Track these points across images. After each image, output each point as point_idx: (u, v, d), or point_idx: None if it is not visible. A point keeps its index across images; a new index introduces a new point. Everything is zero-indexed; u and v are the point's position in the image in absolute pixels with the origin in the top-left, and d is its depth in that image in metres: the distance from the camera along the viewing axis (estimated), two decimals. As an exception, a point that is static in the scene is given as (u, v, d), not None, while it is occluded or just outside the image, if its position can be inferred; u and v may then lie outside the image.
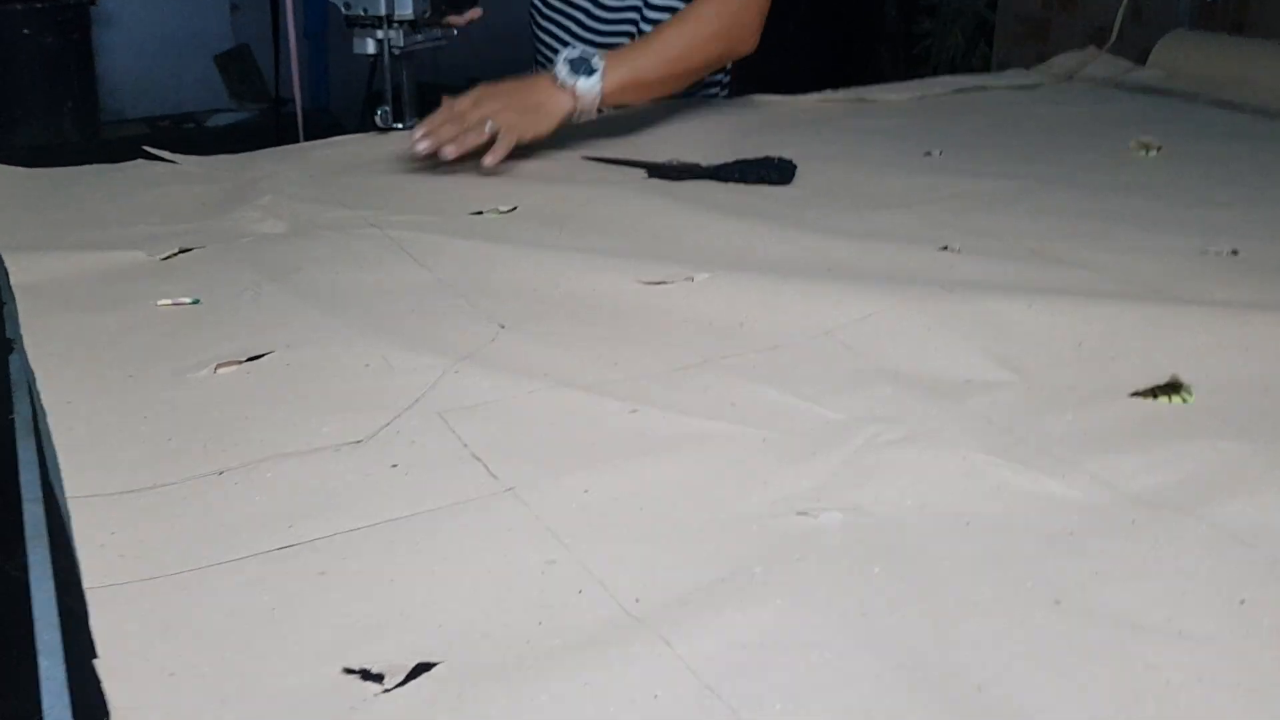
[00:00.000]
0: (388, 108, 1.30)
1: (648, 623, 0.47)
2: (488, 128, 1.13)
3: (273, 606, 0.48)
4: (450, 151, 1.12)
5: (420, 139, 1.14)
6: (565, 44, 1.48)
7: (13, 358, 0.94)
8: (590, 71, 1.18)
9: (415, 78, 1.34)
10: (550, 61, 1.51)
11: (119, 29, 3.46)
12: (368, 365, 0.72)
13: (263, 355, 0.73)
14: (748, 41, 1.32)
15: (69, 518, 0.54)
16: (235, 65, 3.59)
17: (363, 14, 1.27)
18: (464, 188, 1.12)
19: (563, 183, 1.15)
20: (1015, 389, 0.69)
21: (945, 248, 0.94)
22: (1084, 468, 0.60)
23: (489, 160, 1.13)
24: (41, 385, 0.68)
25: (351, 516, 0.55)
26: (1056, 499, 0.57)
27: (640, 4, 1.42)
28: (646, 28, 1.42)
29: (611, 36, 1.45)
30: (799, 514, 0.56)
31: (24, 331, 0.76)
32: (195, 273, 0.88)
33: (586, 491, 0.58)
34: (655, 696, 0.42)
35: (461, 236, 0.97)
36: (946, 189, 1.12)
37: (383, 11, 1.25)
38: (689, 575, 0.50)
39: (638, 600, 0.49)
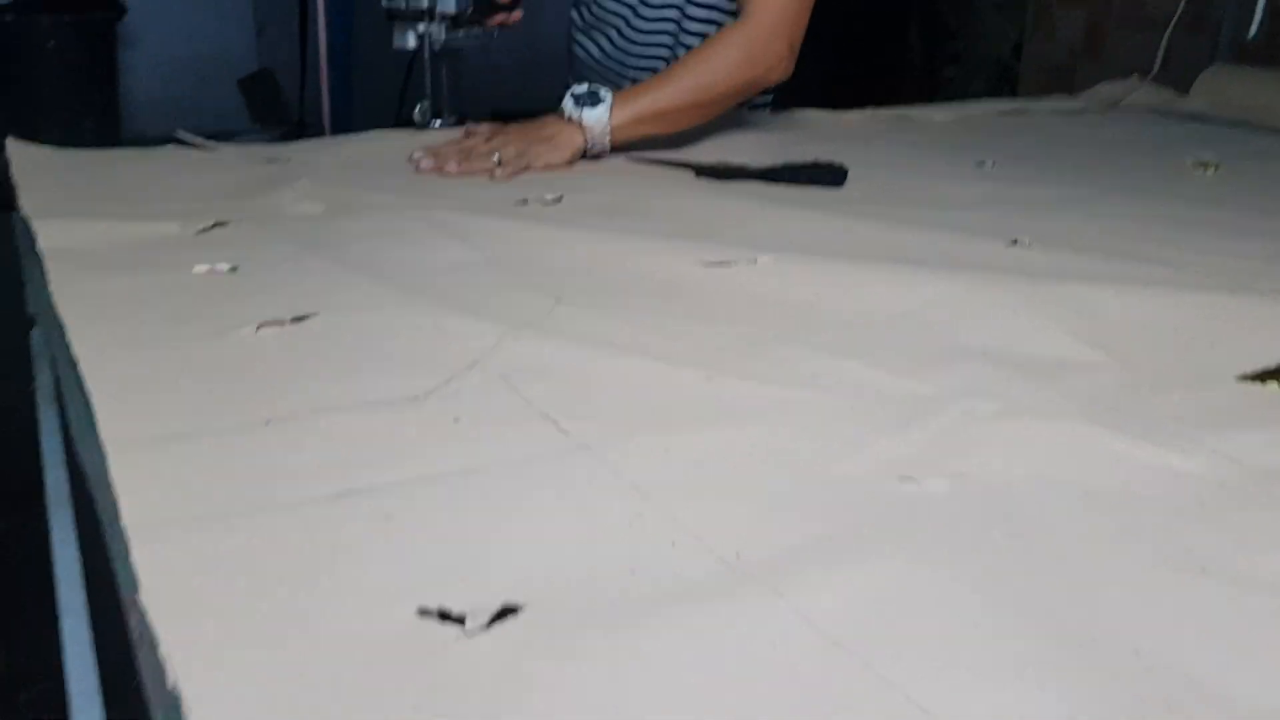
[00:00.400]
0: (427, 103, 1.27)
1: (754, 576, 0.42)
2: (495, 157, 1.11)
3: (335, 549, 0.43)
4: (453, 167, 1.10)
5: (423, 157, 1.12)
6: (598, 60, 1.46)
7: (34, 332, 0.90)
8: (596, 103, 1.15)
9: (454, 77, 1.31)
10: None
11: (144, 47, 3.45)
12: (419, 328, 0.68)
13: (307, 317, 0.69)
14: (777, 69, 1.26)
15: (105, 459, 0.49)
16: (258, 88, 3.58)
17: (404, 7, 1.23)
18: (507, 183, 1.08)
19: (609, 177, 1.11)
20: (1113, 370, 0.65)
21: (1015, 242, 0.90)
22: (1203, 443, 0.55)
23: (499, 174, 1.09)
24: (73, 336, 0.63)
25: (415, 466, 0.50)
26: (1179, 472, 0.53)
27: (678, 17, 1.39)
28: (687, 39, 1.39)
29: (648, 48, 1.42)
30: (902, 479, 0.51)
31: (53, 290, 0.71)
32: (231, 244, 0.84)
33: (667, 451, 0.53)
34: (773, 646, 0.37)
35: (509, 219, 0.93)
36: (1006, 195, 1.08)
37: (425, 5, 1.22)
38: (791, 533, 0.46)
39: (738, 555, 0.44)
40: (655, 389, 0.60)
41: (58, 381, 0.75)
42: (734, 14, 1.34)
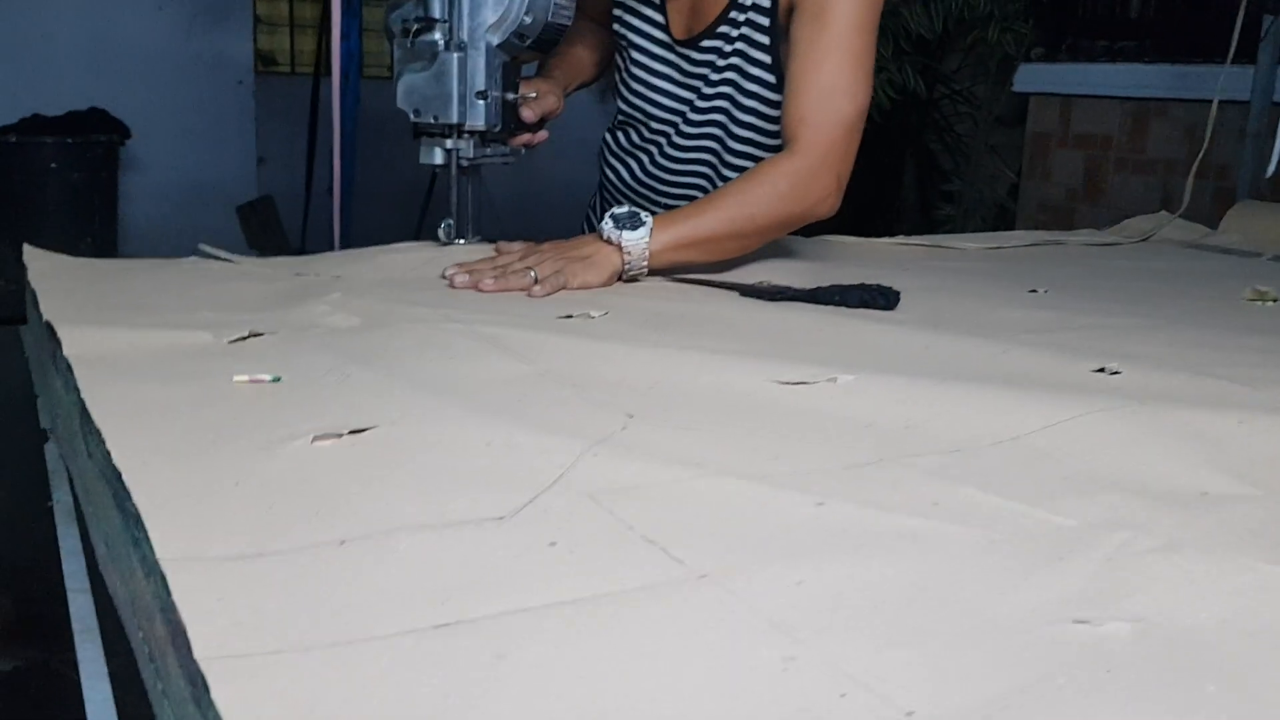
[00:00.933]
0: (451, 222, 1.22)
1: (954, 736, 0.35)
2: (531, 275, 1.05)
3: (446, 693, 0.35)
4: (489, 285, 1.04)
5: (457, 273, 1.07)
6: (631, 185, 1.43)
7: (48, 446, 0.83)
8: (638, 225, 1.10)
9: (479, 195, 1.26)
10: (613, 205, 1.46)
11: (145, 171, 3.45)
12: (489, 444, 0.61)
13: (365, 430, 0.62)
14: (824, 204, 1.21)
15: (167, 581, 0.42)
16: (257, 216, 3.57)
17: (433, 121, 1.18)
18: (547, 299, 1.03)
19: (651, 296, 1.06)
20: (1266, 503, 0.59)
21: (1103, 369, 0.84)
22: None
23: (536, 291, 1.03)
24: (111, 445, 0.56)
25: (518, 596, 0.43)
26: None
27: (719, 144, 1.36)
28: (727, 173, 1.36)
29: (685, 176, 1.38)
30: (1077, 622, 0.44)
31: (86, 398, 0.65)
32: (269, 355, 0.78)
33: (799, 584, 0.46)
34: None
35: (557, 334, 0.87)
36: (1071, 322, 1.04)
37: (455, 120, 1.17)
38: (977, 685, 0.39)
39: (910, 715, 0.37)
40: (762, 515, 0.54)
41: (76, 501, 0.68)
42: (774, 137, 1.32)
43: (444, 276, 1.09)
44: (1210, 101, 3.35)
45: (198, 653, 0.36)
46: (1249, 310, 1.17)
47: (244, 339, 0.82)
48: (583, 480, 0.56)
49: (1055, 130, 3.66)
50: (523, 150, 1.28)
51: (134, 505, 0.51)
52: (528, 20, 1.16)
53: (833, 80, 1.22)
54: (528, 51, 1.22)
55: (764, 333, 0.91)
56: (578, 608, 0.42)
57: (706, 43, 1.31)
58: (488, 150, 1.22)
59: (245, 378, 0.71)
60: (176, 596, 0.40)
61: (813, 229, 1.51)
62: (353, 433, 0.62)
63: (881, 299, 1.08)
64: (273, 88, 3.83)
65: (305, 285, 1.03)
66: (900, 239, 1.51)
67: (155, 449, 0.57)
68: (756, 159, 1.33)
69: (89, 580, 0.59)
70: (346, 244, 3.61)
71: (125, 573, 0.52)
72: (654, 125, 1.38)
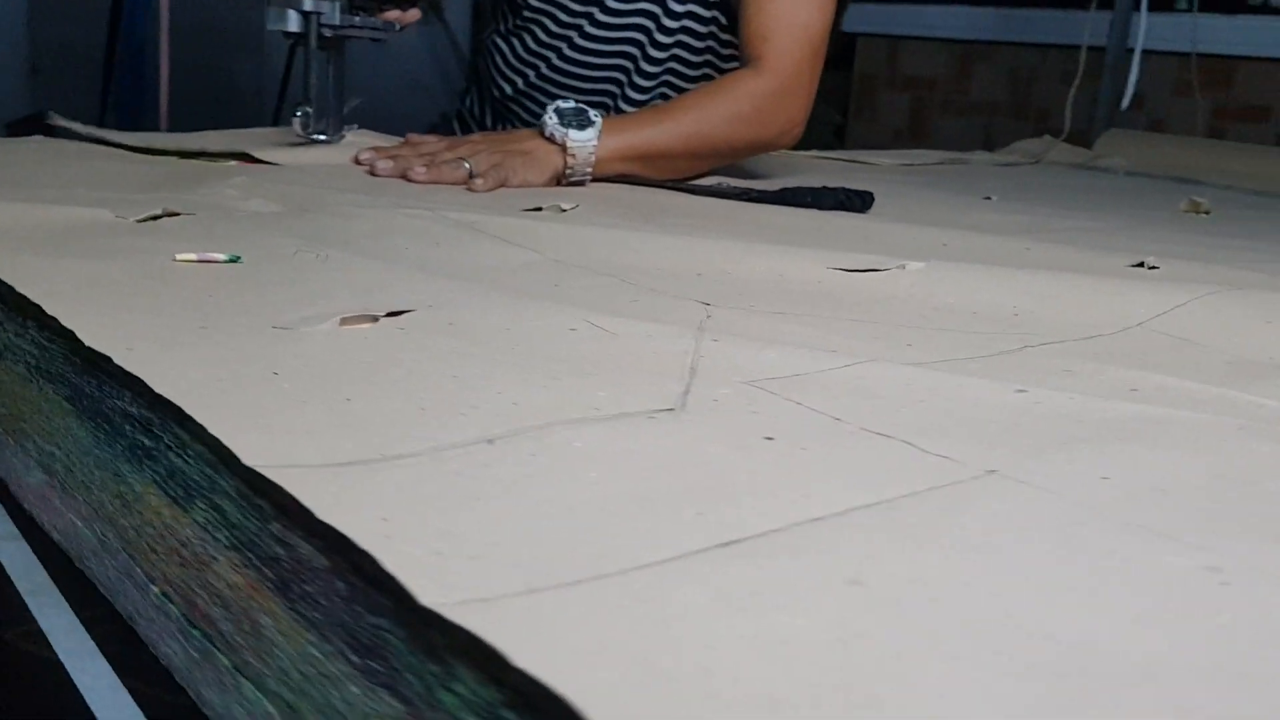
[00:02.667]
0: (309, 109, 0.94)
1: None
2: (465, 166, 0.89)
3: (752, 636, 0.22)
4: (421, 174, 0.87)
5: (375, 159, 0.89)
6: (528, 93, 1.26)
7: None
8: (585, 124, 0.94)
9: (343, 80, 0.96)
10: (503, 118, 1.30)
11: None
12: (573, 329, 0.47)
13: (403, 312, 0.47)
14: (791, 134, 1.09)
15: (258, 499, 0.27)
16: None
17: None
18: (494, 193, 0.88)
19: (614, 193, 0.93)
20: None
21: (1142, 264, 0.77)
22: None
23: (478, 185, 0.87)
24: (73, 324, 0.39)
25: (803, 503, 0.30)
26: None
27: (637, 54, 1.21)
28: (635, 92, 1.20)
29: (593, 82, 1.23)
30: None
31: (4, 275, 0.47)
32: (197, 236, 0.61)
33: (1106, 479, 0.35)
34: None
35: (541, 222, 0.73)
36: (1051, 224, 0.97)
37: None
38: None
39: None
40: (968, 402, 0.42)
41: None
42: (717, 38, 1.19)
43: (359, 162, 0.91)
44: (1034, 44, 3.42)
45: (427, 599, 0.22)
46: (1190, 219, 1.14)
47: (156, 218, 0.64)
48: (725, 367, 0.43)
49: (882, 72, 3.68)
50: (396, 26, 1.01)
51: (134, 404, 0.35)
52: None
53: None
54: None
55: (767, 226, 0.79)
56: (872, 513, 0.30)
57: None
58: (356, 19, 0.94)
59: (192, 256, 0.54)
60: (323, 512, 0.25)
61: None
62: (390, 315, 0.46)
63: (858, 200, 0.98)
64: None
65: (194, 167, 0.84)
66: (815, 153, 1.42)
67: (133, 335, 0.40)
68: (684, 72, 1.20)
69: (13, 522, 0.42)
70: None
71: (116, 502, 0.36)
72: (559, 25, 1.22)
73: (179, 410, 0.33)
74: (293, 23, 0.89)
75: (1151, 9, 2.29)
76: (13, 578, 0.40)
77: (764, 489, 0.31)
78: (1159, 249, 0.87)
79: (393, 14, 0.99)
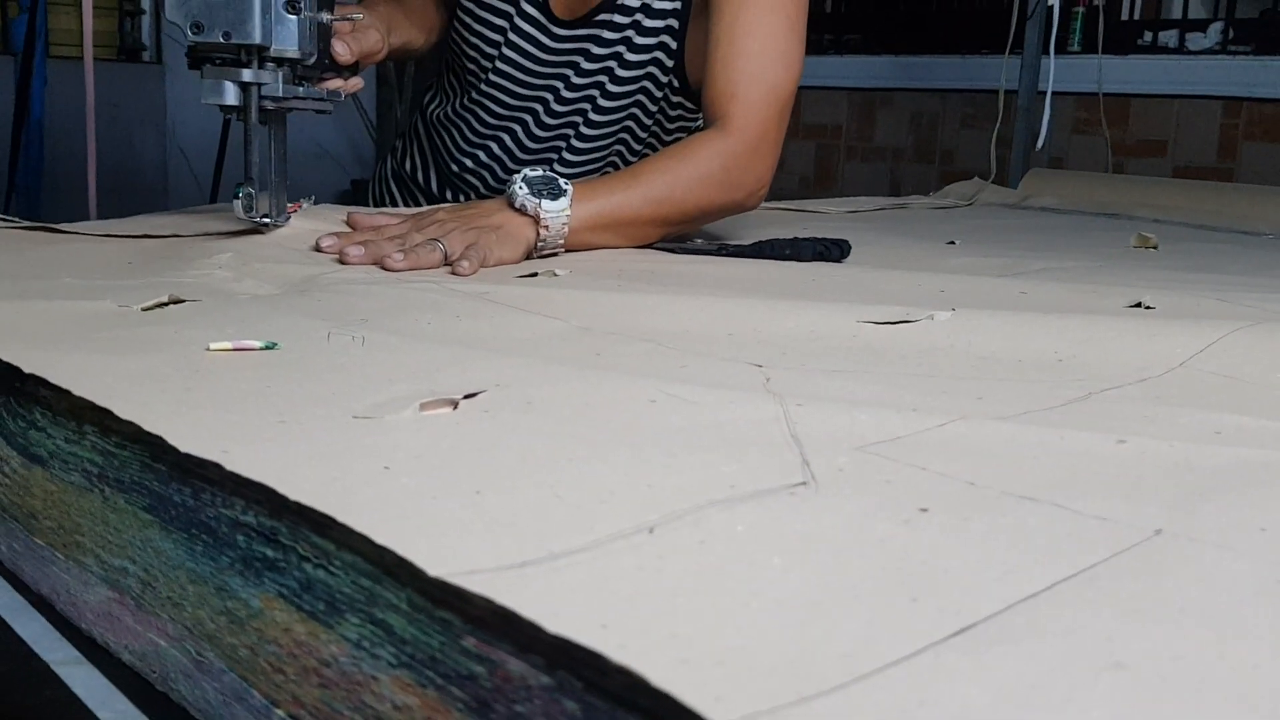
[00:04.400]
0: (251, 190, 0.83)
1: None
2: (440, 247, 0.82)
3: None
4: (400, 261, 0.79)
5: (346, 246, 0.81)
6: (480, 174, 1.23)
7: None
8: (557, 194, 0.89)
9: (287, 154, 0.87)
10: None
11: None
12: (653, 401, 0.45)
13: (477, 394, 0.45)
14: (757, 196, 1.05)
15: (451, 622, 0.25)
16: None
17: (223, 41, 0.78)
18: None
19: (592, 258, 0.91)
20: None
21: (1139, 304, 0.78)
22: None
23: (464, 269, 0.79)
24: (158, 429, 0.36)
25: (984, 579, 0.29)
26: None
27: (572, 135, 1.19)
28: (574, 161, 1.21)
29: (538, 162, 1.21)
30: None
31: (45, 373, 0.43)
32: (217, 321, 0.58)
33: (1264, 530, 0.34)
34: None
35: (550, 287, 0.71)
36: (1026, 266, 0.98)
37: (257, 39, 0.78)
38: None
39: None
40: (1081, 457, 0.42)
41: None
42: (656, 130, 1.18)
43: (320, 249, 0.83)
44: (933, 90, 3.51)
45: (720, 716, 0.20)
46: (1144, 254, 1.17)
47: (163, 305, 0.61)
48: (825, 434, 0.42)
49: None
50: (341, 96, 0.92)
51: (250, 513, 0.32)
52: None
53: (765, 47, 1.06)
54: None
55: (761, 281, 0.79)
56: (1092, 585, 0.29)
57: (601, 16, 1.14)
58: (299, 90, 0.85)
59: (227, 345, 0.51)
60: (553, 625, 0.23)
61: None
62: (468, 397, 0.44)
63: (836, 250, 0.98)
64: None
65: (173, 247, 0.80)
66: (763, 204, 1.43)
67: (218, 434, 0.37)
68: (636, 133, 1.19)
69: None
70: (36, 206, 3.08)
71: (221, 619, 0.33)
72: (508, 110, 1.19)
73: (318, 517, 0.30)
74: (230, 95, 0.80)
75: (1044, 52, 2.36)
76: (92, 708, 0.36)
77: (959, 568, 0.30)
78: (1142, 286, 0.89)
79: (335, 83, 0.92)
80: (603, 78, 1.15)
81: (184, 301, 0.62)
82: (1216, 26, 2.92)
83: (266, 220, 0.84)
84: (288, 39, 0.79)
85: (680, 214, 1.00)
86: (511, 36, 1.16)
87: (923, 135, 3.46)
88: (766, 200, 1.44)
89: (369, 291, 0.68)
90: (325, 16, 0.86)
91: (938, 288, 0.80)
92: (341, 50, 0.89)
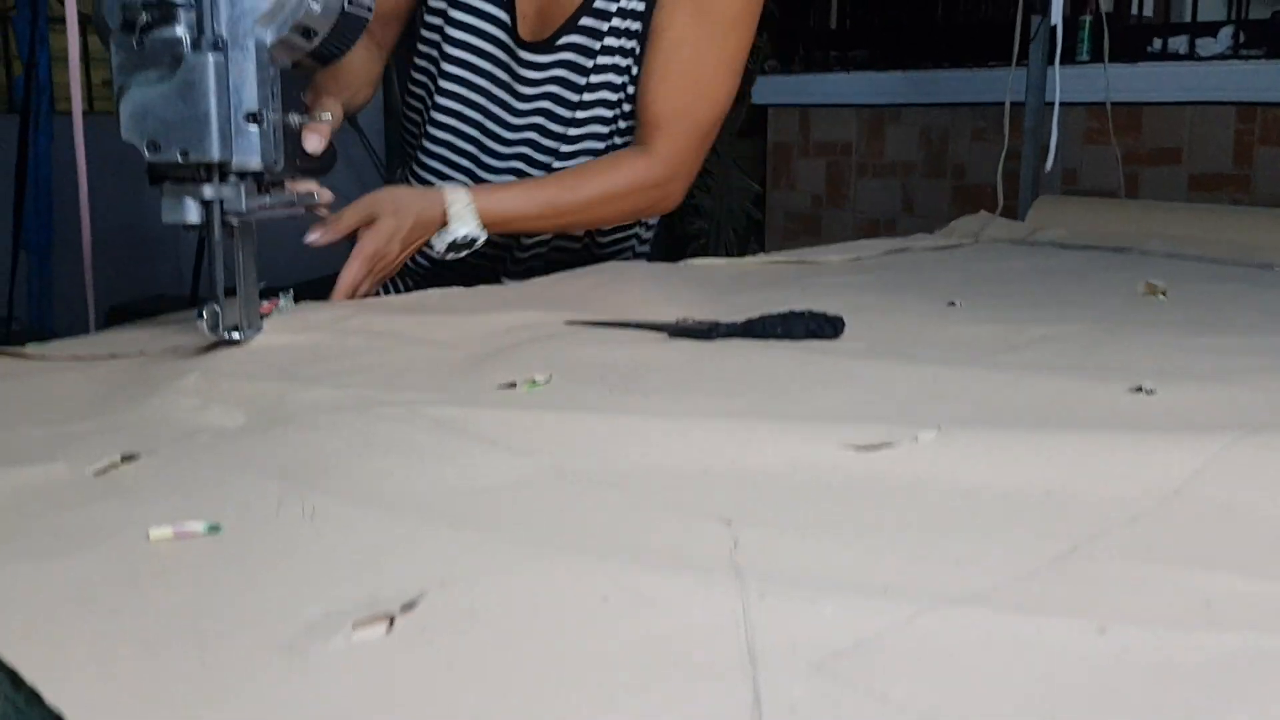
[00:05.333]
0: (216, 307, 0.81)
1: None
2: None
3: None
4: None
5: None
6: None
7: None
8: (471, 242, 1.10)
9: (257, 262, 0.84)
10: None
11: None
12: (605, 600, 0.43)
13: (414, 602, 0.42)
14: (668, 208, 1.23)
15: None
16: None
17: (180, 160, 0.76)
18: (454, 360, 0.84)
19: (581, 341, 0.89)
20: None
21: (1139, 389, 0.75)
22: None
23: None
24: (44, 682, 0.34)
25: None
26: None
27: (532, 153, 1.25)
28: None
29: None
30: None
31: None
32: (166, 490, 0.56)
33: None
34: None
35: (527, 409, 0.69)
36: (1025, 335, 0.95)
37: (215, 156, 0.76)
38: None
39: None
40: (1058, 659, 0.39)
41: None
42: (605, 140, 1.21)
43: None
44: (942, 104, 3.48)
45: None
46: (1151, 304, 1.14)
47: (116, 465, 0.59)
48: (784, 644, 0.39)
49: (795, 140, 3.71)
50: (315, 197, 0.92)
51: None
52: (315, 8, 0.78)
53: (699, 76, 1.14)
54: (311, 58, 0.84)
55: (751, 376, 0.76)
56: None
57: (565, 39, 1.16)
58: (266, 199, 0.83)
59: (168, 531, 0.49)
60: None
61: (675, 255, 1.39)
62: (405, 608, 0.42)
63: (829, 327, 0.96)
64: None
65: (139, 369, 0.79)
66: (764, 257, 1.40)
67: (118, 697, 0.35)
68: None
69: None
70: (50, 309, 3.13)
71: None
72: (463, 141, 1.23)
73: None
74: (192, 213, 0.78)
75: (1049, 63, 2.32)
76: None
77: None
78: (1144, 357, 0.86)
79: (308, 186, 0.91)
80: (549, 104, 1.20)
81: (137, 458, 0.60)
82: (1227, 31, 2.87)
83: (236, 335, 0.82)
84: (249, 151, 0.77)
85: (585, 223, 1.19)
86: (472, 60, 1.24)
87: (933, 150, 3.43)
88: (766, 254, 1.42)
89: (335, 423, 0.66)
90: (295, 118, 0.84)
91: (929, 378, 0.77)
92: (313, 144, 0.88)
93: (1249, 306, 1.13)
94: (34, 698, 0.35)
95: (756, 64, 3.68)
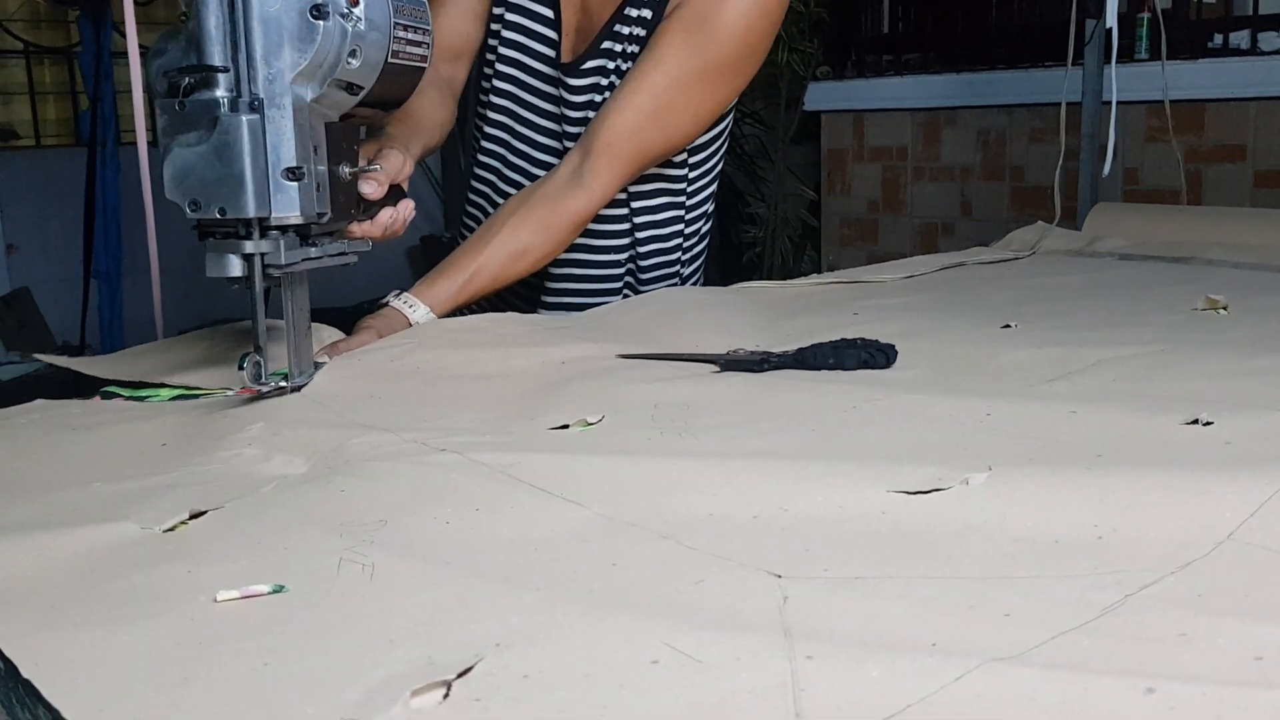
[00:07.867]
0: (260, 358, 0.81)
1: None
2: None
3: None
4: None
5: None
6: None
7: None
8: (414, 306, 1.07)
9: (308, 311, 0.87)
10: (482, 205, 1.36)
11: None
12: (655, 662, 0.44)
13: (470, 669, 0.44)
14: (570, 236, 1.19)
15: None
16: (12, 313, 3.14)
17: (219, 217, 0.77)
18: (507, 398, 0.86)
19: (630, 380, 0.90)
20: None
21: (1195, 421, 0.74)
22: None
23: None
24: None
25: None
26: None
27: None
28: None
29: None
30: None
31: (27, 671, 0.43)
32: (232, 549, 0.58)
33: None
34: None
35: (577, 454, 0.70)
36: (1082, 359, 0.94)
37: (251, 213, 0.77)
38: None
39: None
40: (1100, 721, 0.39)
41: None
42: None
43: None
44: (999, 106, 3.44)
45: None
46: (1211, 321, 1.12)
47: (184, 524, 0.61)
48: (829, 706, 0.40)
49: (850, 145, 3.70)
50: (368, 245, 0.93)
51: None
52: (353, 64, 0.79)
53: (669, 103, 1.13)
54: (367, 109, 0.87)
55: (808, 419, 0.77)
56: None
57: (590, 63, 1.18)
58: (313, 250, 0.84)
59: (235, 594, 0.51)
60: None
61: (729, 264, 1.40)
62: (461, 675, 0.43)
63: (881, 357, 0.96)
64: (16, 165, 3.39)
65: (204, 417, 0.81)
66: (815, 278, 1.40)
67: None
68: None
69: None
70: (121, 334, 3.21)
71: None
72: (509, 170, 1.26)
73: None
74: (235, 268, 0.80)
75: (1106, 61, 2.29)
76: None
77: None
78: (1199, 384, 0.85)
79: (363, 227, 0.91)
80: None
81: (204, 514, 0.62)
82: (1290, 25, 2.81)
83: (283, 385, 0.84)
84: (288, 206, 0.79)
85: (526, 268, 1.15)
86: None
87: (991, 152, 3.39)
88: (818, 275, 1.42)
89: (391, 472, 0.68)
90: (345, 170, 0.86)
91: (981, 413, 0.77)
92: (370, 189, 0.90)
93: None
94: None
95: (808, 70, 3.67)
